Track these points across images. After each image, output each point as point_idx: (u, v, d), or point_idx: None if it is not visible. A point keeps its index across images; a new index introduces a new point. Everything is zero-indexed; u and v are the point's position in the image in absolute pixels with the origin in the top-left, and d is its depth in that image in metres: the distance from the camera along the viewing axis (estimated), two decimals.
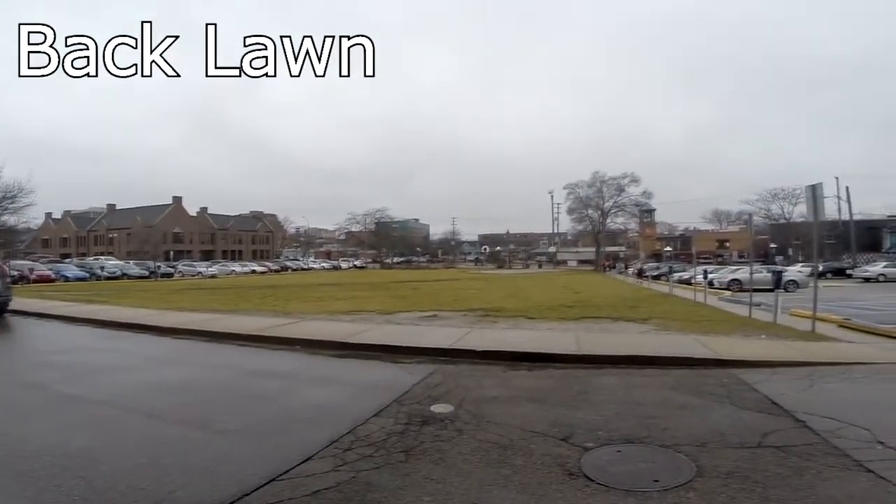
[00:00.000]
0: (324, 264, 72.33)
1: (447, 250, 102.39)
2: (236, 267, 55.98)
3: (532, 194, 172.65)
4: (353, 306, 13.48)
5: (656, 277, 34.07)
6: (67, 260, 48.81)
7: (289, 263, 67.44)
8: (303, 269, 62.58)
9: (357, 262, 79.21)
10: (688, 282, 24.82)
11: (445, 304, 14.00)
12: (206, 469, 3.38)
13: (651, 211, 74.47)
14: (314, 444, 3.76)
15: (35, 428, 4.23)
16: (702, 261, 40.45)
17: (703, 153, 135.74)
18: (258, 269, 56.72)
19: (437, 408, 4.72)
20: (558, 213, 78.91)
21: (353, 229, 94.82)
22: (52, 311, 12.77)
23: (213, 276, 44.12)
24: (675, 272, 27.15)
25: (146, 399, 5.12)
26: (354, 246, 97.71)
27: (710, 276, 22.31)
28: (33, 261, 40.90)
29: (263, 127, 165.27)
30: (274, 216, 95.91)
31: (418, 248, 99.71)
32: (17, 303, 12.86)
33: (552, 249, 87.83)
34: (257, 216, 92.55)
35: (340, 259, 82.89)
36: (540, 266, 75.89)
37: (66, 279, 33.73)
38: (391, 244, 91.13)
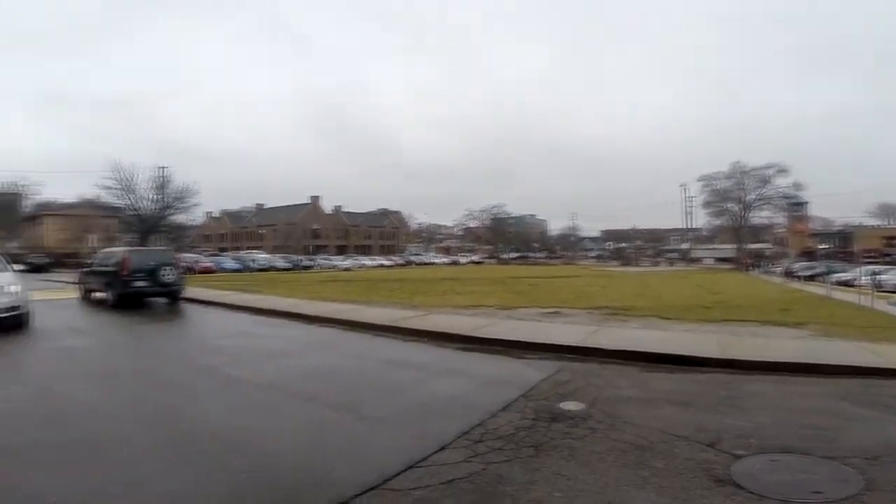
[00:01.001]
0: (443, 259, 74.40)
1: (566, 246, 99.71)
2: (366, 261, 59.68)
3: (659, 188, 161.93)
4: (473, 301, 13.71)
5: (809, 278, 30.14)
6: (225, 253, 55.57)
7: (412, 258, 70.49)
8: (424, 264, 64.95)
9: (474, 258, 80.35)
10: (848, 283, 21.59)
11: (567, 300, 13.67)
12: (353, 452, 3.66)
13: (802, 204, 65.63)
14: (447, 434, 3.91)
15: (206, 408, 4.81)
16: (866, 260, 34.99)
17: (859, 141, 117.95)
18: (385, 262, 59.91)
19: (567, 405, 4.64)
20: (691, 206, 73.17)
21: (471, 225, 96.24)
22: (215, 300, 14.64)
23: (346, 269, 47.43)
24: (833, 272, 23.77)
25: (302, 383, 5.63)
26: (472, 241, 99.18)
27: (878, 277, 19.19)
28: (197, 254, 47.20)
29: (383, 128, 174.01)
30: (398, 213, 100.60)
31: (535, 244, 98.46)
32: (186, 291, 14.89)
33: (684, 246, 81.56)
34: (384, 213, 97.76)
35: (459, 254, 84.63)
36: (671, 264, 70.88)
37: (224, 270, 38.46)
38: (507, 239, 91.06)
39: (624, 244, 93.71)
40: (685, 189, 73.06)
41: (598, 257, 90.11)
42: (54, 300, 14.54)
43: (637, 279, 26.95)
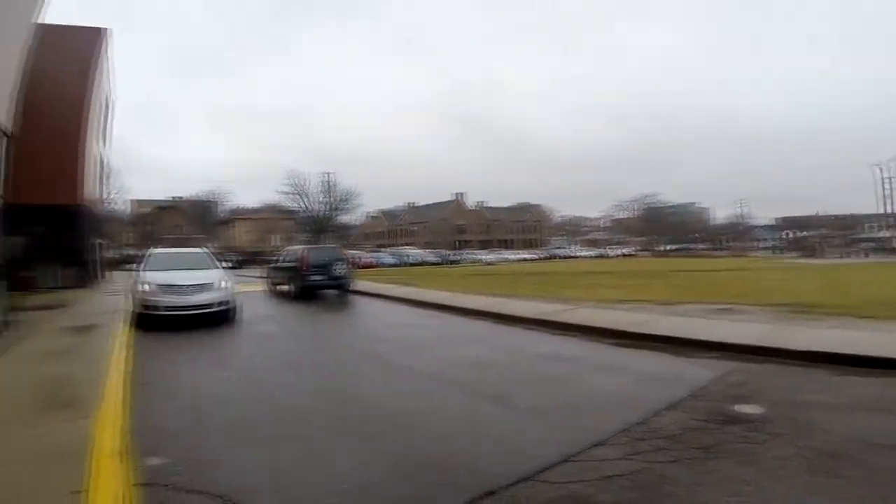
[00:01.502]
0: (590, 252, 71.79)
1: (734, 236, 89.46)
2: (509, 255, 60.14)
3: (847, 169, 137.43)
4: (626, 295, 13.08)
5: None
6: (382, 250, 59.96)
7: (556, 251, 69.23)
8: (569, 257, 63.38)
9: (625, 250, 76.08)
10: None
11: (738, 295, 12.35)
12: (506, 442, 3.78)
13: None
14: (604, 430, 3.85)
15: (374, 392, 5.27)
16: None
17: None
18: (528, 256, 59.76)
19: (743, 407, 4.28)
20: (890, 189, 61.05)
21: (620, 216, 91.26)
22: (377, 292, 15.99)
23: (490, 264, 48.30)
24: None
25: (457, 372, 5.93)
26: (622, 233, 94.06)
27: None
28: (359, 251, 51.73)
29: (523, 122, 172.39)
30: (539, 206, 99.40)
31: (696, 234, 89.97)
32: (353, 284, 16.50)
33: (884, 234, 68.19)
34: (525, 207, 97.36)
35: (607, 247, 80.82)
36: (866, 255, 59.87)
37: (383, 265, 41.62)
38: (663, 230, 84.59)
39: (805, 233, 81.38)
40: (881, 169, 61.15)
41: (773, 248, 79.20)
42: (247, 292, 16.70)
43: (822, 272, 23.29)
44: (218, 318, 9.86)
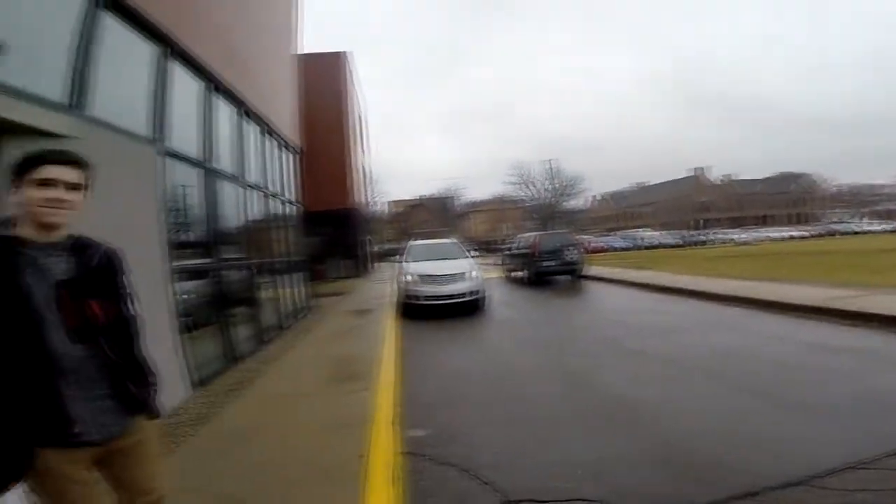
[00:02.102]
0: (884, 226, 56.55)
1: None
2: (771, 232, 51.53)
3: None
4: None
5: None
6: (612, 233, 57.66)
7: (834, 226, 56.53)
8: (852, 233, 51.13)
9: None
10: None
11: None
12: (771, 441, 3.32)
13: None
14: None
15: (611, 378, 5.13)
16: None
17: None
18: (796, 234, 50.25)
19: None
20: None
21: None
22: (610, 276, 15.49)
23: (745, 243, 42.22)
24: None
25: (703, 362, 5.43)
26: None
27: None
28: (588, 235, 50.63)
29: (759, 87, 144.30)
30: (807, 175, 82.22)
31: None
32: (585, 269, 16.31)
33: None
34: (787, 177, 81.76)
35: None
36: None
37: (614, 249, 40.01)
38: None
39: None
40: None
41: None
42: (485, 279, 18.20)
43: None
44: (469, 307, 10.30)
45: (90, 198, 1.69)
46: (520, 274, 17.05)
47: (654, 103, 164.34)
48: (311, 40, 28.53)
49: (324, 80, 22.74)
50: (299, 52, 13.48)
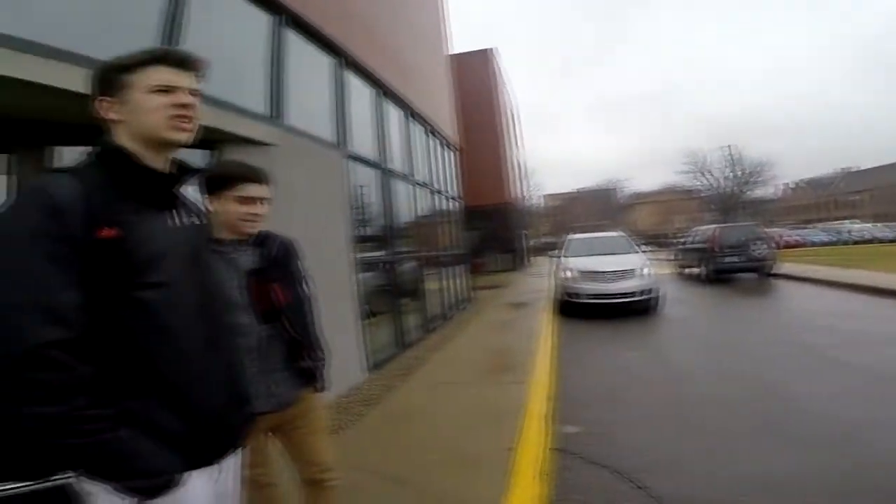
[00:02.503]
0: None
1: None
2: None
3: None
4: None
5: None
6: (810, 225, 49.62)
7: None
8: None
9: None
10: None
11: None
12: None
13: None
14: None
15: (807, 390, 4.39)
16: None
17: None
18: None
19: None
20: None
21: None
22: (807, 275, 13.23)
23: None
24: None
25: None
26: None
27: None
28: (779, 227, 44.15)
29: None
30: None
31: None
32: (777, 266, 14.17)
33: None
34: None
35: None
36: None
37: (813, 244, 34.34)
38: None
39: None
40: None
41: None
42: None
43: None
44: (639, 308, 9.20)
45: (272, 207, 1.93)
46: (695, 270, 15.45)
47: (854, 79, 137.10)
48: (456, 40, 29.23)
49: (474, 79, 23.21)
50: (450, 53, 13.84)
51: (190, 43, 3.64)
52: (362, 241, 6.17)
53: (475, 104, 22.41)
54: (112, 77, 1.21)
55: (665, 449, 3.41)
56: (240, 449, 1.39)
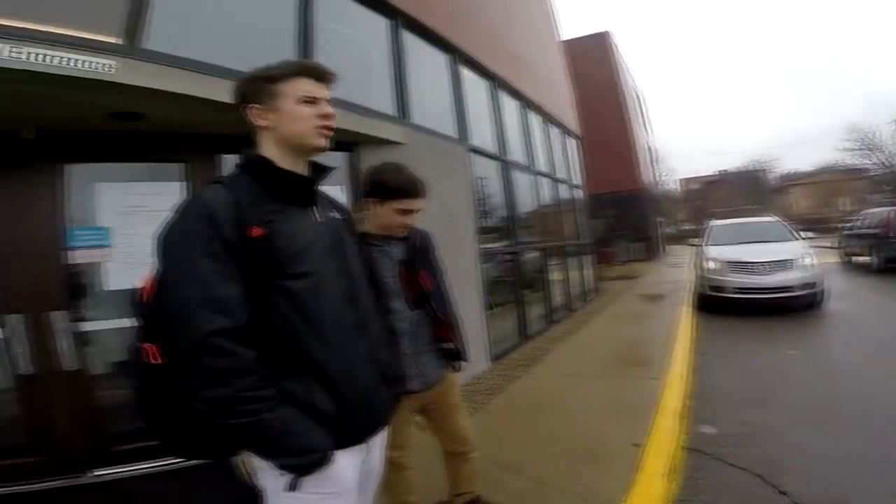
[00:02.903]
0: None
1: None
2: None
3: None
4: None
5: None
6: None
7: None
8: None
9: None
10: None
11: None
12: None
13: None
14: None
15: None
16: None
17: None
18: None
19: None
20: None
21: None
22: None
23: None
24: None
25: None
26: None
27: None
28: None
29: None
30: None
31: None
32: None
33: None
34: None
35: None
36: None
37: None
38: None
39: None
40: None
41: None
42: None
43: None
44: (800, 305, 7.89)
45: None
46: (864, 259, 13.28)
47: None
48: (571, 25, 27.94)
49: (592, 63, 22.10)
50: (562, 39, 13.34)
51: (323, 53, 4.04)
52: (485, 232, 6.30)
53: (596, 90, 21.45)
54: (262, 87, 1.34)
55: (815, 455, 3.07)
56: (386, 428, 1.49)
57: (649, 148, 32.18)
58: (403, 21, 5.19)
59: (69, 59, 2.50)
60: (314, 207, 1.40)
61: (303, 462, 1.18)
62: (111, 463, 3.27)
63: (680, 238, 37.25)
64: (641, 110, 31.80)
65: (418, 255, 2.12)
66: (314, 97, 1.35)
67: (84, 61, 2.54)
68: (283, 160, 1.35)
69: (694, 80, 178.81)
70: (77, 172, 3.26)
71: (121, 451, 3.27)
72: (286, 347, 1.24)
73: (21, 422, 3.12)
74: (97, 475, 3.24)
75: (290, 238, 1.27)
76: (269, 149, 1.36)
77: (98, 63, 2.59)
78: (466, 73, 6.49)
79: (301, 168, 1.39)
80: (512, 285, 6.97)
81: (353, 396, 1.29)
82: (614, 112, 23.10)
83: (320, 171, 1.46)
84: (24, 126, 3.07)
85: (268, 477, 1.24)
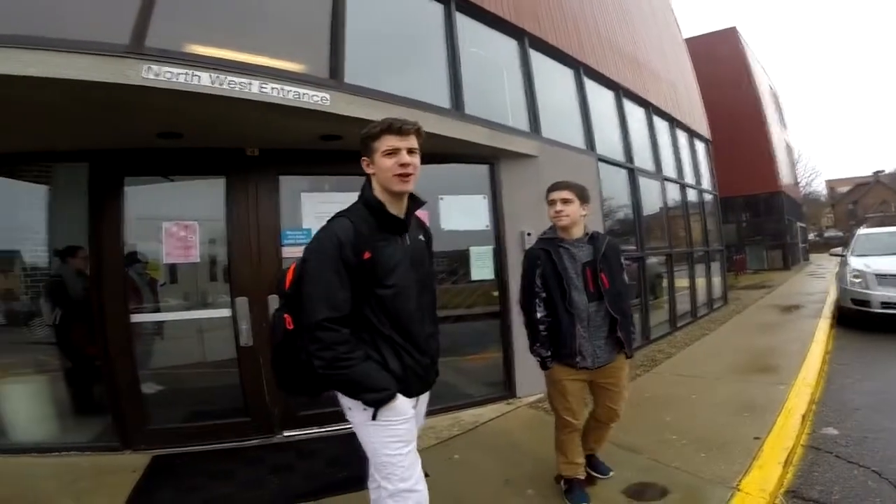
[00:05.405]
0: None
1: None
2: None
3: None
4: None
5: None
6: None
7: None
8: None
9: None
10: None
11: None
12: None
13: None
14: None
15: None
16: None
17: None
18: None
19: None
20: None
21: None
22: None
23: None
24: None
25: None
26: None
27: None
28: None
29: None
30: None
31: None
32: None
33: None
34: None
35: None
36: None
37: None
38: None
39: None
40: None
41: None
42: None
43: None
44: None
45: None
46: None
47: None
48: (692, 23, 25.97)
49: (720, 61, 20.62)
50: (684, 38, 12.79)
51: (468, 73, 4.67)
52: (612, 237, 6.54)
53: (727, 88, 20.14)
54: (366, 144, 1.83)
55: None
56: (428, 392, 2.02)
57: (789, 147, 29.33)
58: (530, 40, 5.64)
59: (299, 92, 3.29)
60: (405, 235, 1.90)
61: (380, 397, 1.73)
62: (297, 426, 4.06)
63: (825, 246, 33.43)
64: (777, 107, 29.08)
65: (601, 259, 2.60)
66: (395, 148, 1.78)
67: (311, 95, 3.33)
68: (384, 198, 1.83)
69: (848, 71, 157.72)
70: (288, 183, 4.16)
71: (304, 415, 4.06)
72: (372, 329, 1.79)
73: (239, 388, 3.96)
74: (286, 436, 4.03)
75: (387, 259, 1.78)
76: (377, 189, 1.85)
77: (317, 96, 3.37)
78: (592, 85, 6.78)
79: (402, 201, 1.87)
80: (638, 289, 7.12)
81: (412, 364, 1.84)
82: (747, 111, 21.48)
83: (416, 203, 1.93)
84: (249, 146, 3.98)
85: (357, 413, 1.79)
